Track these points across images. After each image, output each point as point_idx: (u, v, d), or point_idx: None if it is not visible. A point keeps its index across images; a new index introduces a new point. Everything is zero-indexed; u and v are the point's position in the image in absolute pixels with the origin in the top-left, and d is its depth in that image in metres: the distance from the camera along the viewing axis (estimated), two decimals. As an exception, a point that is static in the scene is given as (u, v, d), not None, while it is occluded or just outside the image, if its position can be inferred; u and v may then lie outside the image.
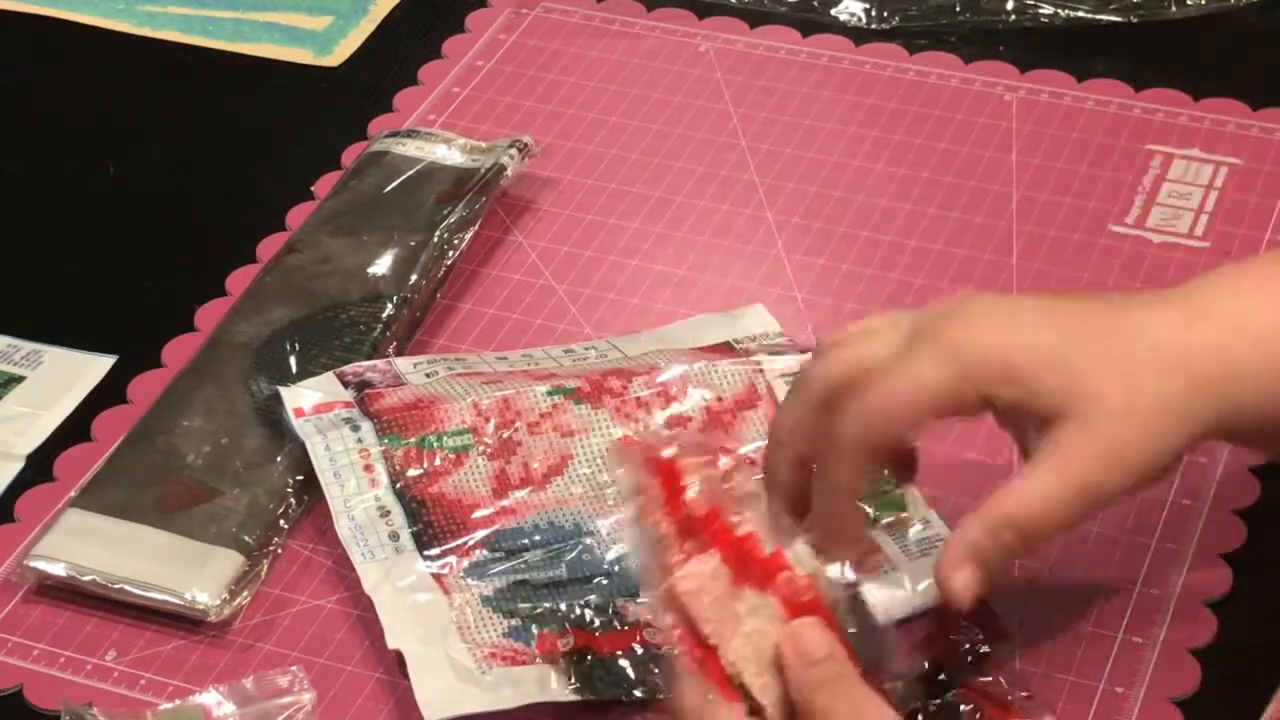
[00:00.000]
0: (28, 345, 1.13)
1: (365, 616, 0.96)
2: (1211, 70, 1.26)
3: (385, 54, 1.34)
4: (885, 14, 1.31)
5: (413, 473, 1.00)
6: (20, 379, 1.11)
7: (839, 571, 0.82)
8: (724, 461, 0.82)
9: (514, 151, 1.19)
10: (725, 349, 1.06)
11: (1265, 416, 0.86)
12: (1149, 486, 0.86)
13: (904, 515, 0.97)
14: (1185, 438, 0.85)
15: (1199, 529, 0.98)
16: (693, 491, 0.81)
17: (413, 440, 1.01)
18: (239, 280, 1.16)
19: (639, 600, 0.94)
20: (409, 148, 1.20)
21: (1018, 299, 0.97)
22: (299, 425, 1.02)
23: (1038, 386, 0.84)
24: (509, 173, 1.18)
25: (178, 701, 0.93)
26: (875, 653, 0.80)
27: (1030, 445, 0.88)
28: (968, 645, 0.91)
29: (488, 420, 1.01)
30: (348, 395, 1.04)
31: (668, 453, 0.82)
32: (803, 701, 0.78)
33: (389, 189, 1.17)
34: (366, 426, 1.02)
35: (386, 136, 1.22)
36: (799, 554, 0.82)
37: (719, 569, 0.80)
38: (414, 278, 1.12)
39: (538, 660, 0.92)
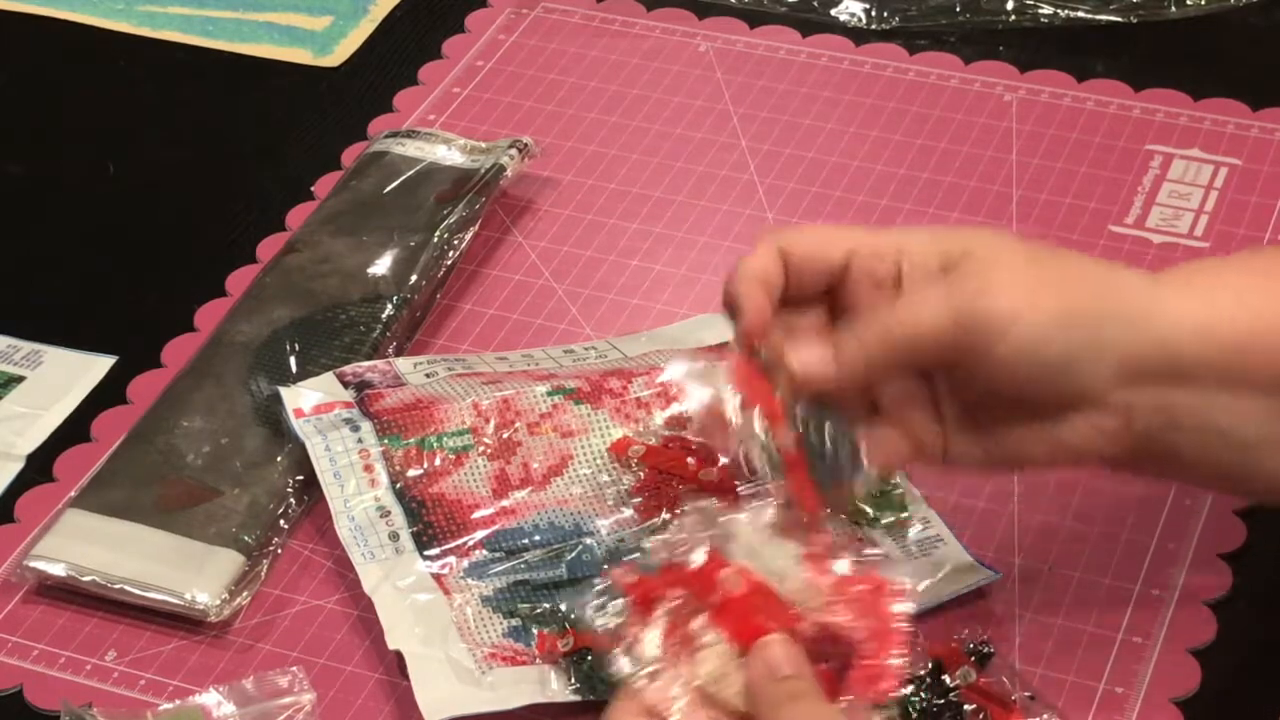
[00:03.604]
0: (28, 345, 1.13)
1: (365, 616, 0.96)
2: (1211, 70, 1.26)
3: (385, 54, 1.34)
4: (885, 14, 1.31)
5: (413, 473, 1.00)
6: (20, 379, 1.11)
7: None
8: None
9: (514, 151, 1.19)
10: (725, 349, 1.06)
11: (1192, 383, 0.84)
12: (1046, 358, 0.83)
13: (904, 515, 0.97)
14: (1083, 329, 0.83)
15: (1199, 529, 0.98)
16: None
17: (413, 440, 1.01)
18: (239, 280, 1.16)
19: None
20: (409, 148, 1.20)
21: None
22: (299, 425, 1.02)
23: (947, 238, 0.86)
24: (509, 173, 1.18)
25: (178, 702, 0.93)
26: (836, 470, 0.78)
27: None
28: (970, 645, 0.91)
29: (488, 420, 1.01)
30: (348, 395, 1.04)
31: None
32: (764, 717, 0.77)
33: (389, 189, 1.17)
34: (366, 427, 1.02)
35: (386, 137, 1.22)
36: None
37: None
38: (414, 278, 1.12)
39: (538, 660, 0.92)
